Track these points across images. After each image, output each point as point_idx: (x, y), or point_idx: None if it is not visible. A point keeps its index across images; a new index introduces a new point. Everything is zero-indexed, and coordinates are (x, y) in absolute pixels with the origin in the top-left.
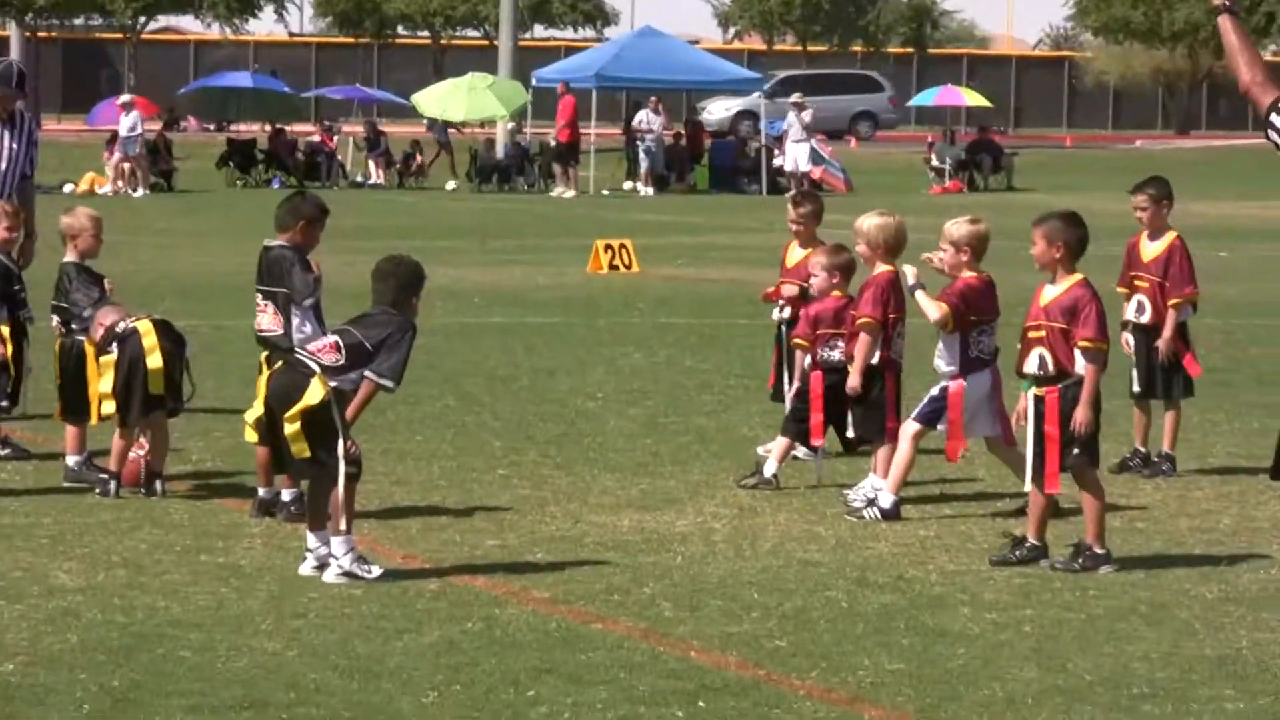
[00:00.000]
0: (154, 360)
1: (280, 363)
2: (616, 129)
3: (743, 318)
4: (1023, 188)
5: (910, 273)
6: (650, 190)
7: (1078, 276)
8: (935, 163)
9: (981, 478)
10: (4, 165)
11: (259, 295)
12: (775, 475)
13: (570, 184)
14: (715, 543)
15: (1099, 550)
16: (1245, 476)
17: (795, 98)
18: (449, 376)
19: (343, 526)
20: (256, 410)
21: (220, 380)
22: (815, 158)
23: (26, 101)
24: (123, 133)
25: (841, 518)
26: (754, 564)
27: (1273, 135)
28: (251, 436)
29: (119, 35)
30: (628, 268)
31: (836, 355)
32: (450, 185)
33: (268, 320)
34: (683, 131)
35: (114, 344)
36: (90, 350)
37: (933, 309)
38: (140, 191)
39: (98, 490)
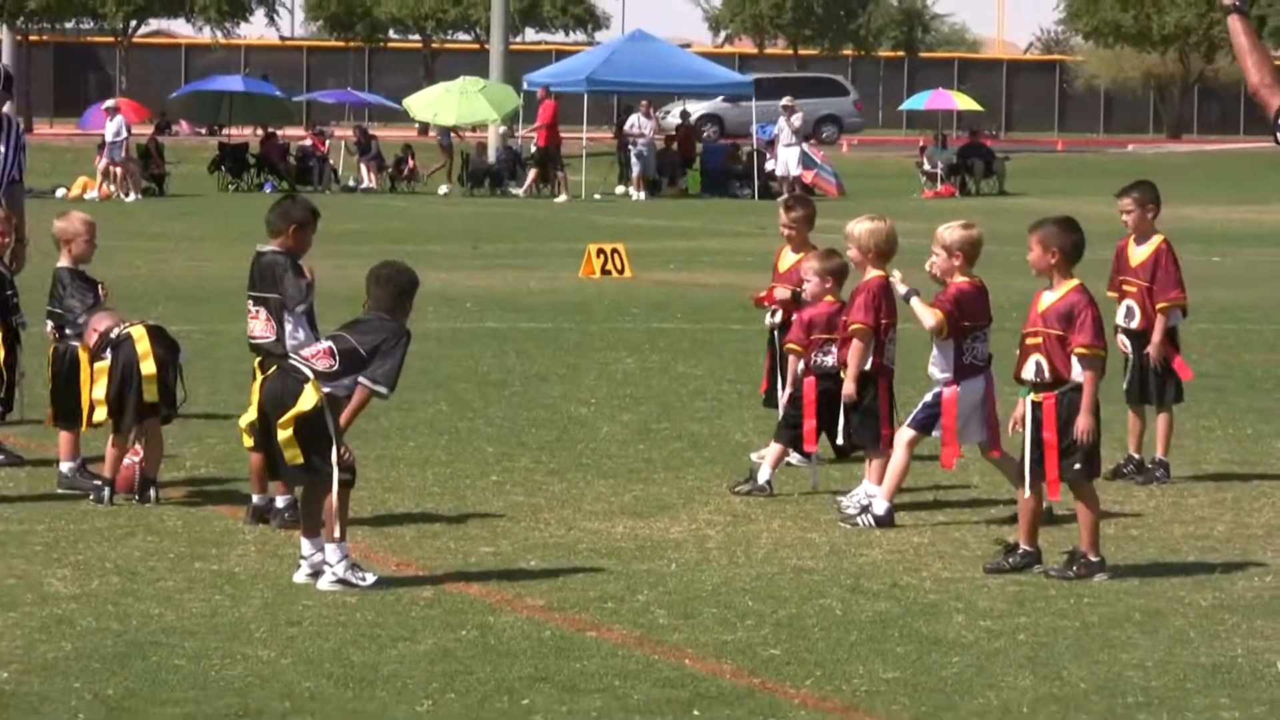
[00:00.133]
0: (148, 366)
1: (274, 368)
2: (607, 133)
3: (736, 323)
4: (1014, 192)
5: (899, 279)
6: (642, 195)
7: (1074, 282)
8: (927, 167)
9: (975, 484)
10: None
11: (250, 301)
12: (769, 482)
13: (562, 188)
14: (709, 549)
15: (1093, 558)
16: (1239, 483)
17: (785, 101)
18: (442, 382)
19: (337, 533)
20: (250, 416)
21: (213, 386)
22: (807, 162)
23: (14, 105)
24: (108, 138)
25: (835, 524)
26: (748, 571)
27: None
28: (247, 442)
29: (110, 39)
30: (620, 272)
31: (830, 361)
32: (442, 189)
33: (260, 327)
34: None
35: (108, 350)
36: (84, 356)
37: (928, 316)
38: (132, 196)
39: (92, 497)
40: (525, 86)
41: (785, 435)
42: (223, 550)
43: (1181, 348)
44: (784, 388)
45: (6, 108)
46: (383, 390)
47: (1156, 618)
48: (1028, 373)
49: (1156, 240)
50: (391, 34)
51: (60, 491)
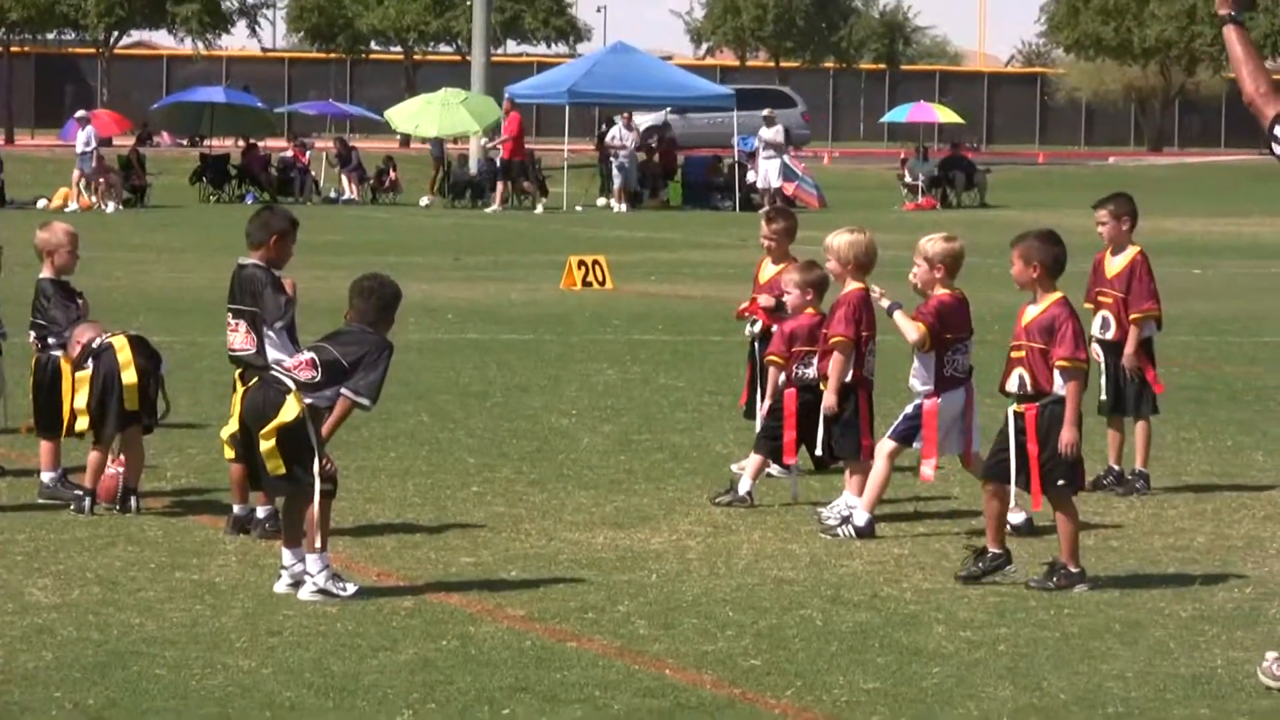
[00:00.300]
0: (128, 376)
1: (255, 380)
2: (588, 145)
3: (716, 334)
4: (995, 204)
5: (879, 294)
6: (624, 206)
7: (1056, 295)
8: (908, 179)
9: (956, 495)
10: None
11: (230, 314)
12: (749, 493)
13: (535, 199)
14: (690, 560)
15: (1073, 569)
16: (1219, 494)
17: (766, 113)
18: (423, 393)
19: (318, 544)
20: (232, 427)
21: (194, 397)
22: (788, 174)
23: None
24: (78, 148)
25: (816, 535)
26: (729, 582)
27: (1276, 149)
28: (228, 453)
29: (92, 50)
30: (601, 284)
31: (811, 373)
32: (424, 201)
33: (240, 339)
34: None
35: (89, 359)
36: (66, 366)
37: (911, 330)
38: (111, 206)
39: (73, 507)
40: (506, 98)
41: (765, 447)
42: (203, 560)
43: (1157, 360)
44: (763, 399)
45: None
46: (365, 402)
47: (1137, 629)
48: (1011, 385)
49: (1132, 252)
50: (373, 45)
51: (41, 501)
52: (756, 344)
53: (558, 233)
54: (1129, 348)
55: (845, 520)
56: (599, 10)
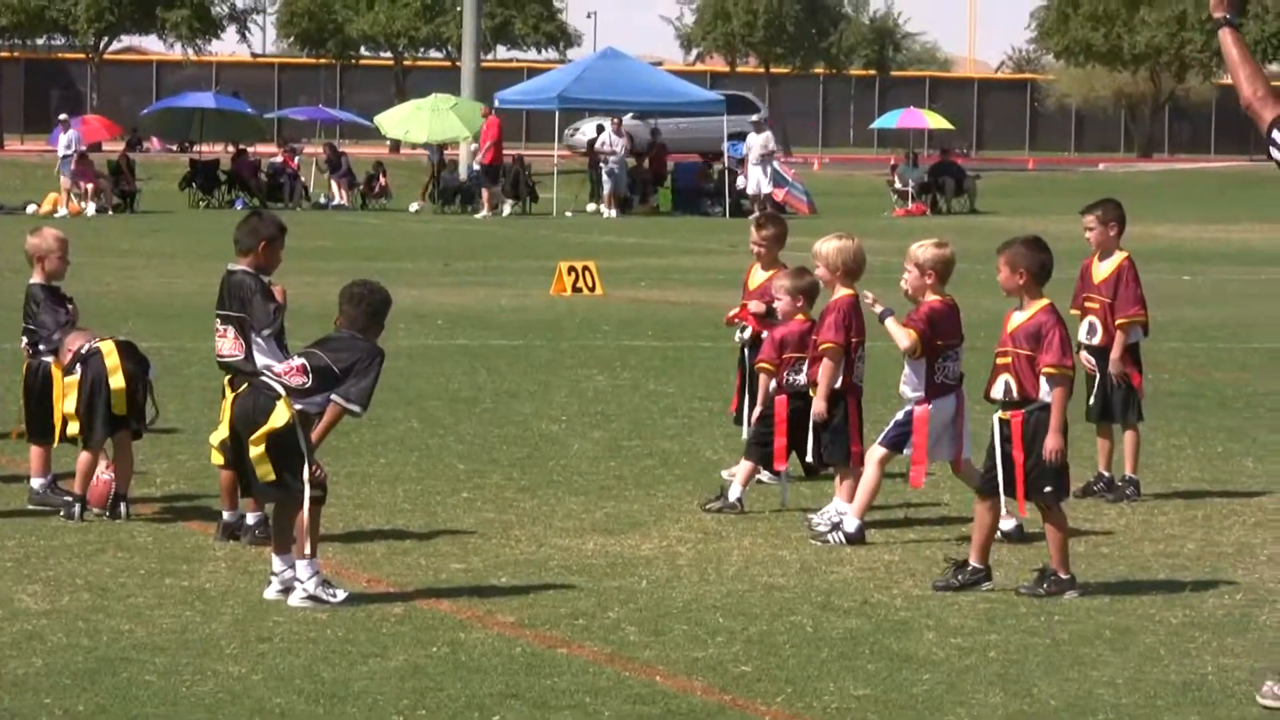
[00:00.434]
0: (116, 380)
1: (245, 385)
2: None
3: (706, 340)
4: (985, 210)
5: (872, 300)
6: (613, 212)
7: (1043, 302)
8: (898, 185)
9: (946, 502)
10: None
11: (218, 320)
12: (739, 499)
13: (497, 205)
14: (680, 567)
15: (1063, 575)
16: (1210, 501)
17: (755, 118)
18: (413, 399)
19: (307, 550)
20: (221, 433)
21: (183, 403)
22: (778, 180)
23: None
24: (60, 152)
25: (806, 542)
26: (719, 588)
27: (1274, 153)
28: (217, 459)
29: (81, 55)
30: (591, 290)
31: (802, 380)
32: (414, 206)
33: (228, 345)
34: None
35: (78, 365)
36: (57, 372)
37: (902, 337)
38: (92, 209)
39: (62, 513)
40: (497, 104)
41: (755, 453)
42: (193, 566)
43: (1144, 366)
44: (752, 406)
45: None
46: (355, 409)
47: (1127, 635)
48: (996, 392)
49: (1119, 258)
50: (363, 51)
51: (31, 507)
52: (746, 350)
53: (547, 238)
54: (1115, 353)
55: (836, 526)
56: (589, 16)
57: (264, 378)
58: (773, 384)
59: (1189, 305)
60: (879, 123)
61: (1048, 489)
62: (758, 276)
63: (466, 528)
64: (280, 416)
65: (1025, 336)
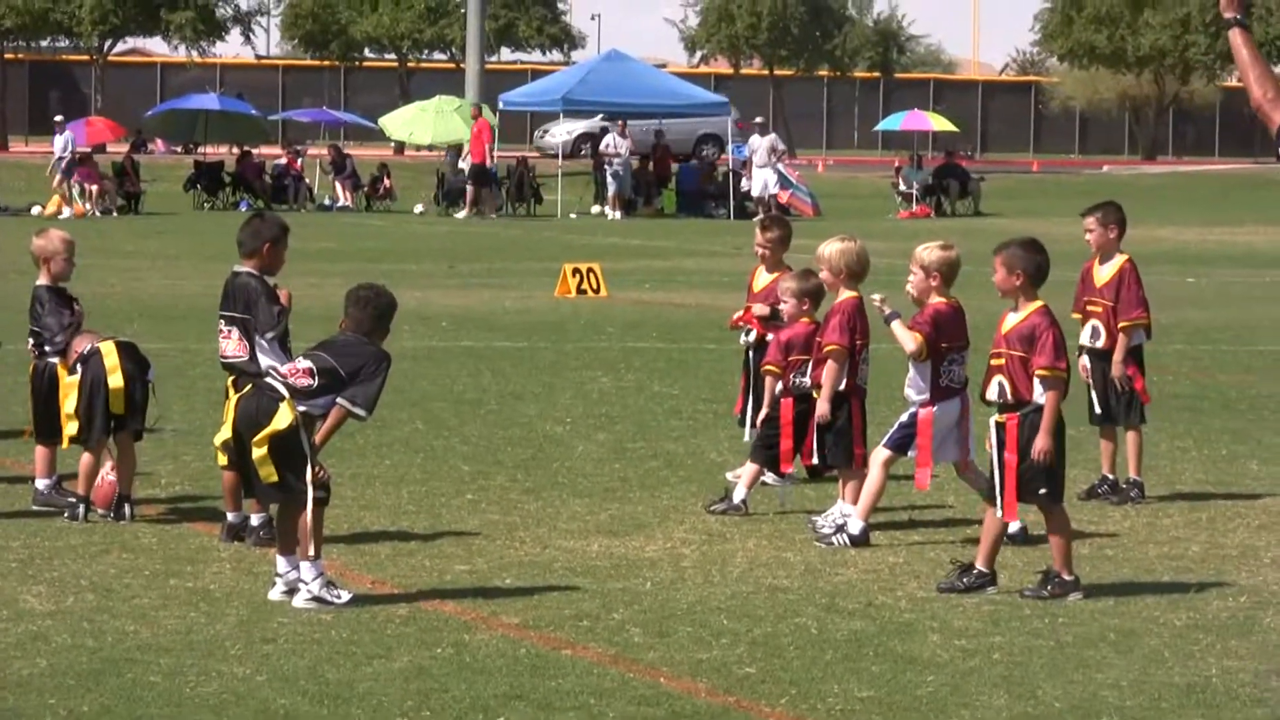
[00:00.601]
0: (115, 380)
1: (249, 387)
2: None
3: (711, 342)
4: (989, 212)
5: (880, 301)
6: (618, 214)
7: (1038, 304)
8: (902, 187)
9: (951, 504)
10: None
11: (222, 321)
12: (744, 501)
13: (485, 207)
14: (684, 568)
15: (1067, 577)
16: (1214, 503)
17: (759, 120)
18: (417, 401)
19: (311, 551)
20: (225, 434)
21: (188, 404)
22: (783, 182)
23: None
24: (56, 153)
25: (810, 544)
26: (723, 590)
27: None
28: (222, 460)
29: (86, 57)
30: (595, 292)
31: (807, 382)
32: (418, 208)
33: (232, 346)
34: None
35: (79, 365)
36: (62, 373)
37: (908, 340)
38: (68, 211)
39: (67, 514)
40: (501, 106)
41: (761, 455)
42: (198, 567)
43: (1146, 369)
44: (759, 408)
45: None
46: (361, 413)
47: (1131, 637)
48: (991, 393)
49: (1121, 260)
50: (367, 53)
51: (35, 508)
52: (751, 352)
53: (552, 240)
54: (1117, 355)
55: (840, 529)
56: (593, 18)
57: (268, 379)
58: (778, 386)
59: (1193, 308)
60: (883, 125)
61: (1041, 490)
62: (762, 279)
63: (471, 529)
64: (283, 418)
65: (1019, 338)
